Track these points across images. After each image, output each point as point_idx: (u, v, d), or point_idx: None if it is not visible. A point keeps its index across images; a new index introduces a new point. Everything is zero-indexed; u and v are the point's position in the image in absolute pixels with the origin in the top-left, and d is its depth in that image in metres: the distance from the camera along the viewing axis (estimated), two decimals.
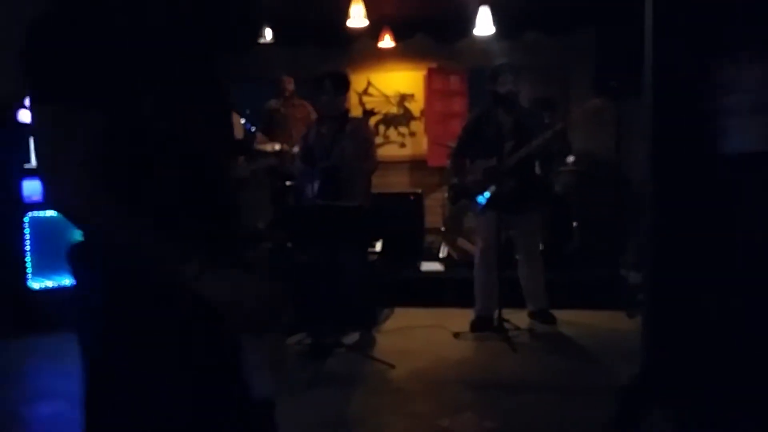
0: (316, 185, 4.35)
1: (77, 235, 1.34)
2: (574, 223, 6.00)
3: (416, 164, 7.51)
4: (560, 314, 4.72)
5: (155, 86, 1.19)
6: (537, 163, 5.50)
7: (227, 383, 1.23)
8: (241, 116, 6.76)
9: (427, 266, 5.98)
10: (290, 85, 6.55)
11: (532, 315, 4.71)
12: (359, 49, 7.19)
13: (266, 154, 6.25)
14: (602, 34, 5.44)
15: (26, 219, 4.84)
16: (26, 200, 4.85)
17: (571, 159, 5.98)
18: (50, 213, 4.95)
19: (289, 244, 5.52)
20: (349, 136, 4.29)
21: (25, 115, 4.86)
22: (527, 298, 4.71)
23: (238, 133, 6.60)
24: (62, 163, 1.13)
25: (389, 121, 7.61)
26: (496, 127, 4.48)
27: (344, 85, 4.52)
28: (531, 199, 4.61)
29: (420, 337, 4.58)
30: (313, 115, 6.22)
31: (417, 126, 7.57)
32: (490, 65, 4.76)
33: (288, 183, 6.08)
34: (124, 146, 1.18)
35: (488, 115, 4.58)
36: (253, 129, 6.52)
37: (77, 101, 1.12)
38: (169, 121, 1.20)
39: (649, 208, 3.43)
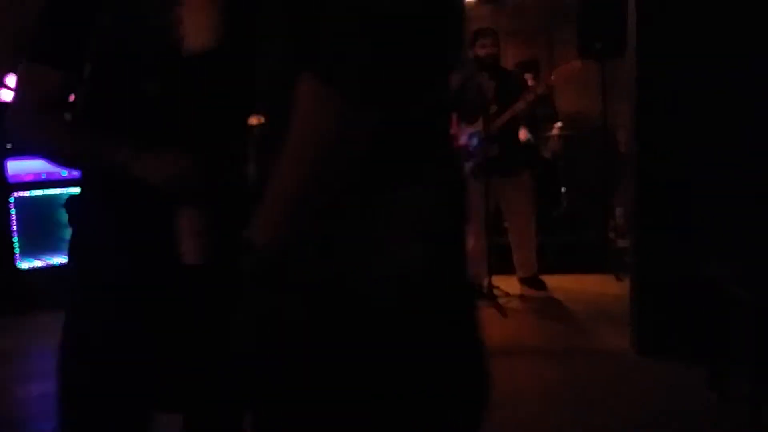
0: None
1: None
2: (562, 188, 6.01)
3: None
4: (549, 279, 4.75)
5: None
6: (526, 129, 5.51)
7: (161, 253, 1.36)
8: None
9: None
10: None
11: (521, 281, 4.74)
12: None
13: None
14: None
15: (11, 199, 4.80)
16: (11, 180, 4.81)
17: (558, 124, 5.96)
18: (36, 192, 4.91)
19: None
20: None
21: (6, 95, 4.79)
22: (517, 265, 4.73)
23: None
24: (18, 105, 1.44)
25: None
26: (479, 91, 4.47)
27: None
28: (518, 163, 4.61)
29: None
30: None
31: None
32: (473, 30, 4.72)
33: None
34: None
35: (471, 80, 4.56)
36: None
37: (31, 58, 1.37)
38: None
39: (634, 170, 3.45)
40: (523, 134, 5.74)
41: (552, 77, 4.70)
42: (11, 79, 4.81)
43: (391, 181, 1.06)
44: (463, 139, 4.59)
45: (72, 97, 1.42)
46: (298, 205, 1.02)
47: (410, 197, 1.08)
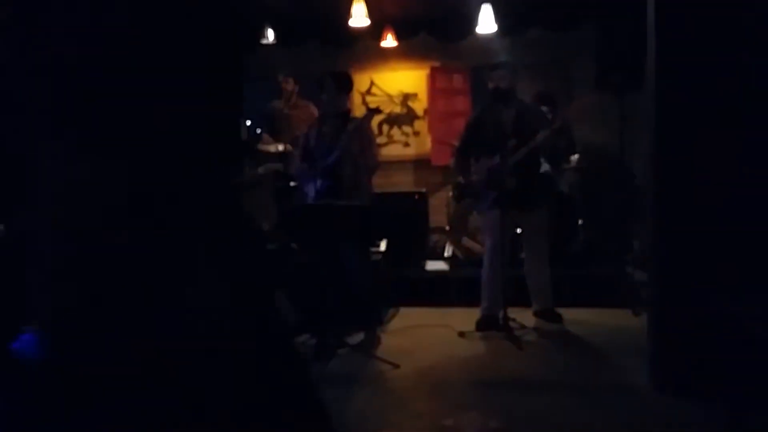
0: (317, 184, 4.34)
1: None
2: (580, 221, 5.97)
3: (420, 163, 7.50)
4: (566, 312, 4.70)
5: None
6: (545, 161, 5.51)
7: None
8: (246, 118, 6.78)
9: (432, 265, 5.97)
10: (289, 86, 6.53)
11: (537, 314, 4.70)
12: (362, 48, 7.19)
13: (270, 155, 6.26)
14: (604, 30, 5.41)
15: None
16: None
17: (575, 157, 5.96)
18: None
19: (294, 245, 5.52)
20: (350, 135, 4.28)
21: None
22: (533, 297, 4.70)
23: (242, 135, 6.62)
24: None
25: (393, 120, 7.60)
26: (497, 124, 4.48)
27: (347, 84, 4.52)
28: (536, 197, 4.59)
29: (425, 337, 4.57)
30: (317, 116, 6.23)
31: (421, 125, 7.56)
32: (492, 63, 4.76)
33: (292, 184, 6.08)
34: None
35: (489, 113, 4.58)
36: (258, 131, 6.58)
37: None
38: None
39: (653, 204, 3.42)
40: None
41: (571, 110, 4.70)
42: None
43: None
44: (481, 172, 4.58)
45: None
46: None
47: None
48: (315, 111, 6.36)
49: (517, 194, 4.41)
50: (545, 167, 5.76)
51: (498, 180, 4.44)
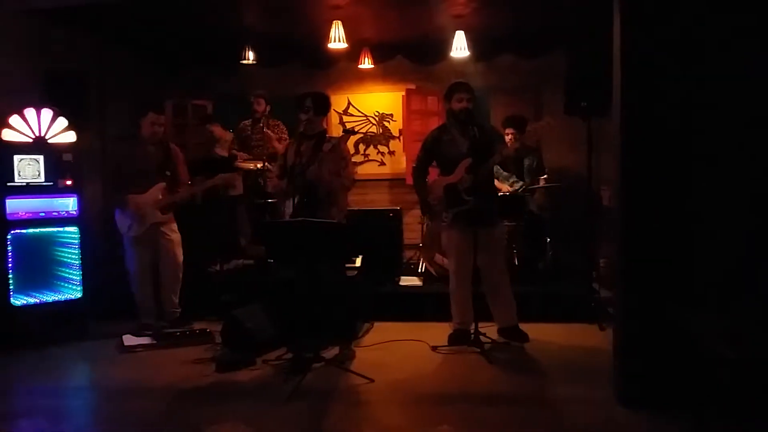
0: (294, 201, 4.43)
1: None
2: (548, 239, 6.13)
3: (395, 182, 7.64)
4: (534, 328, 4.81)
5: None
6: (518, 179, 5.65)
7: None
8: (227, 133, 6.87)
9: (406, 281, 6.08)
10: (260, 107, 6.66)
11: (502, 333, 4.75)
12: (340, 70, 7.36)
13: (248, 171, 6.35)
14: (573, 57, 5.59)
15: (9, 236, 4.87)
16: (9, 217, 4.88)
17: (544, 177, 6.13)
18: (33, 230, 4.99)
19: (270, 260, 5.59)
20: (326, 154, 4.38)
21: (8, 135, 4.90)
22: (495, 315, 4.74)
23: (225, 151, 6.71)
24: None
25: (369, 140, 7.75)
26: (453, 145, 4.60)
27: (324, 106, 4.63)
28: (492, 214, 4.67)
29: (399, 351, 4.65)
30: (285, 136, 6.39)
31: (396, 145, 7.72)
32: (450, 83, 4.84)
33: (269, 200, 6.18)
34: None
35: (446, 133, 4.69)
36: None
37: None
38: None
39: (619, 224, 3.53)
40: (504, 187, 5.88)
41: (528, 134, 4.84)
42: (15, 120, 4.93)
43: None
44: (440, 191, 4.68)
45: None
46: None
47: None
48: (283, 129, 6.53)
49: (474, 212, 4.50)
50: (516, 186, 5.92)
51: (456, 198, 4.55)
